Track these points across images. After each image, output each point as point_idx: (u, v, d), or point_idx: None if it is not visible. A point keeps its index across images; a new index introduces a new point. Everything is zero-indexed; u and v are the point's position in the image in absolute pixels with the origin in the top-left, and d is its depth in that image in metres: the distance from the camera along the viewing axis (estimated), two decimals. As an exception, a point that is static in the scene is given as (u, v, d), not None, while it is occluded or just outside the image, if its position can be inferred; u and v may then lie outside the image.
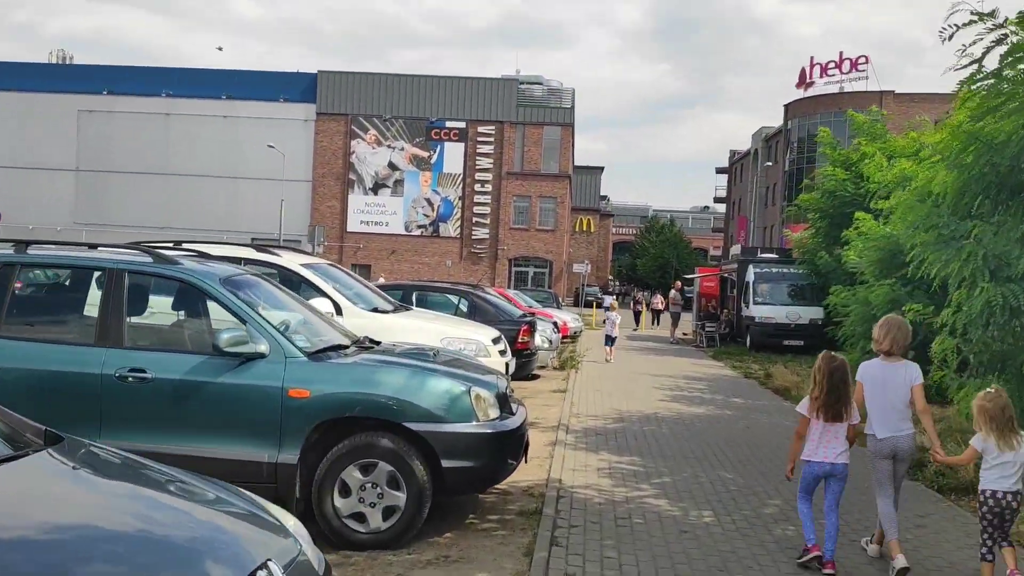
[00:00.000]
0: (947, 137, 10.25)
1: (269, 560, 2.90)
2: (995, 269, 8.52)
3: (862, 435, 6.07)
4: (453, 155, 57.18)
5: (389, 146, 57.30)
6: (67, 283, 6.74)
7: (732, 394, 15.37)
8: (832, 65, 55.62)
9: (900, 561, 5.53)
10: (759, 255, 29.81)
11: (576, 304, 53.17)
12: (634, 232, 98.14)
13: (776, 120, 65.00)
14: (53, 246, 6.78)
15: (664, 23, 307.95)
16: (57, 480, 3.34)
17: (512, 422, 6.18)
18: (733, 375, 19.10)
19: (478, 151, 57.10)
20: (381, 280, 35.53)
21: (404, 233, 57.44)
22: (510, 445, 6.13)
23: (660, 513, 6.97)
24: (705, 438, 10.59)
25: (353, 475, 5.63)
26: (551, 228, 58.12)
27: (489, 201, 57.31)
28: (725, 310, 31.02)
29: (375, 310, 9.97)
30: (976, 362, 9.37)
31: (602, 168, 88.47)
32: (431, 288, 16.26)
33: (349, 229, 57.35)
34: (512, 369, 11.40)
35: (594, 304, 43.34)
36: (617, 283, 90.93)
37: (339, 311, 9.15)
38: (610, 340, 20.93)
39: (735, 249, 36.35)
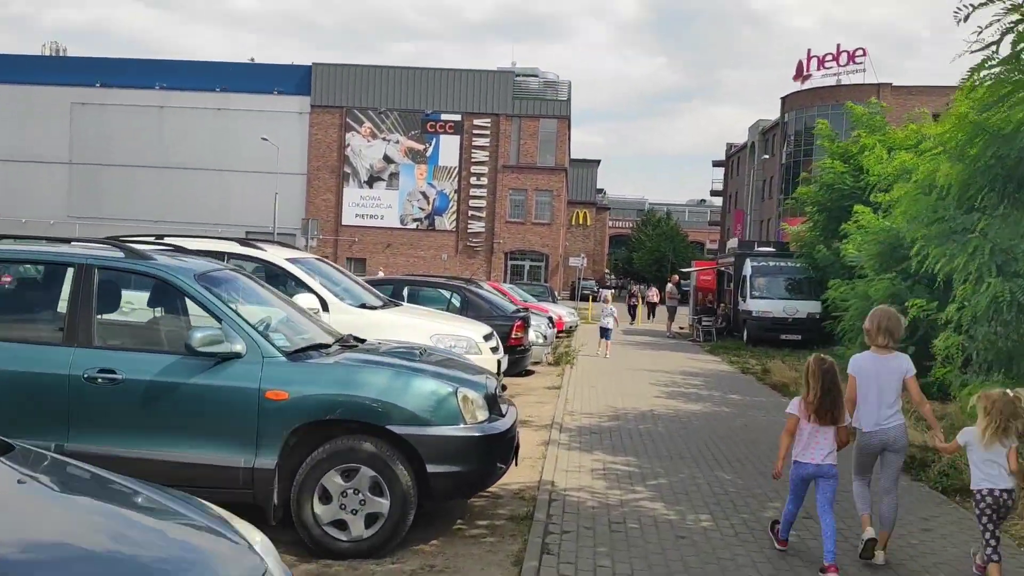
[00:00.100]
0: (951, 128, 9.98)
1: None
2: (1002, 264, 8.27)
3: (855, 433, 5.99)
4: (449, 148, 56.87)
5: (384, 139, 56.99)
6: (34, 279, 6.46)
7: (729, 390, 15.13)
8: (829, 58, 55.44)
9: (868, 532, 5.71)
10: (756, 249, 29.56)
11: (572, 298, 53.02)
12: (630, 226, 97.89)
13: (773, 113, 64.86)
14: (21, 241, 6.49)
15: (661, 16, 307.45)
16: (5, 493, 3.07)
17: (501, 424, 5.91)
18: (730, 370, 18.86)
19: (474, 144, 56.81)
20: (380, 274, 35.29)
21: (399, 227, 57.16)
22: (499, 448, 5.86)
23: (656, 517, 6.72)
24: (702, 436, 10.35)
25: (334, 481, 5.36)
26: (547, 222, 57.88)
27: (485, 194, 57.04)
28: (722, 304, 30.78)
29: (363, 306, 9.71)
30: (981, 359, 9.12)
31: (598, 161, 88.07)
32: (422, 283, 15.95)
33: (344, 223, 57.07)
34: (504, 366, 11.15)
35: (590, 298, 43.08)
36: (613, 277, 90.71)
37: (325, 307, 8.90)
38: (606, 333, 20.68)
39: (732, 243, 36.05)
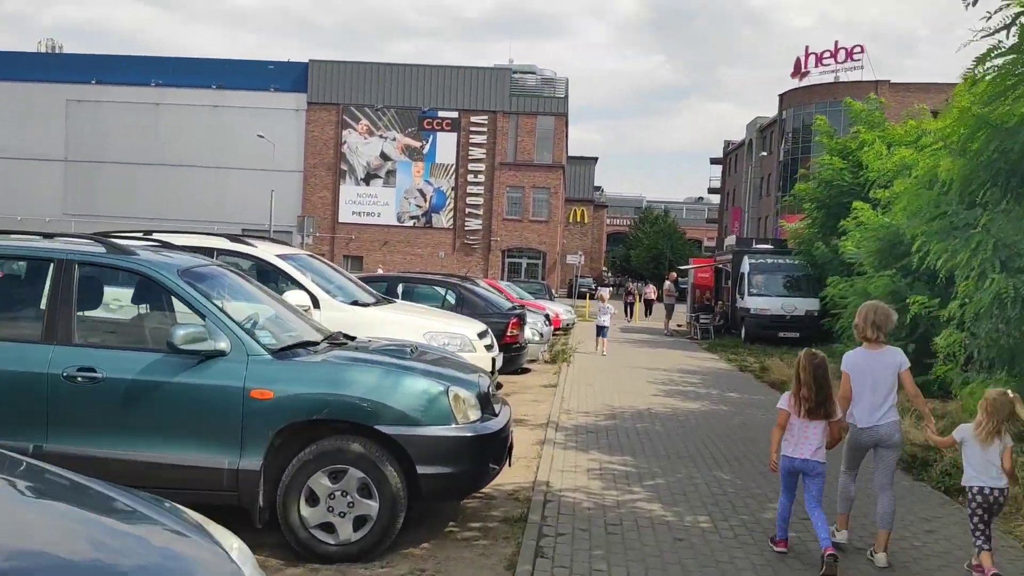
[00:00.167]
0: (953, 122, 9.83)
1: None
2: (1006, 259, 8.12)
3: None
4: (446, 145, 56.71)
5: (381, 136, 56.82)
6: (12, 275, 6.29)
7: (727, 388, 14.98)
8: (828, 54, 55.37)
9: (842, 536, 5.91)
10: (754, 246, 29.42)
11: (570, 295, 52.89)
12: (628, 223, 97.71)
13: (771, 111, 64.73)
14: (2, 236, 6.31)
15: (659, 13, 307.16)
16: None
17: (494, 424, 5.74)
18: (728, 368, 18.71)
19: (471, 141, 56.65)
20: (380, 271, 35.14)
21: (396, 224, 57.02)
22: (492, 449, 5.70)
23: (653, 519, 6.56)
24: (700, 435, 10.20)
25: (321, 482, 5.20)
26: (544, 219, 57.74)
27: (482, 192, 56.89)
28: (720, 302, 30.63)
29: (355, 303, 9.55)
30: (983, 357, 8.97)
31: (596, 159, 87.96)
32: (417, 280, 15.78)
33: (341, 220, 56.91)
34: (499, 364, 10.98)
35: (587, 296, 42.94)
36: (611, 274, 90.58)
37: (316, 304, 8.73)
38: (602, 331, 20.52)
39: (730, 240, 35.94)
